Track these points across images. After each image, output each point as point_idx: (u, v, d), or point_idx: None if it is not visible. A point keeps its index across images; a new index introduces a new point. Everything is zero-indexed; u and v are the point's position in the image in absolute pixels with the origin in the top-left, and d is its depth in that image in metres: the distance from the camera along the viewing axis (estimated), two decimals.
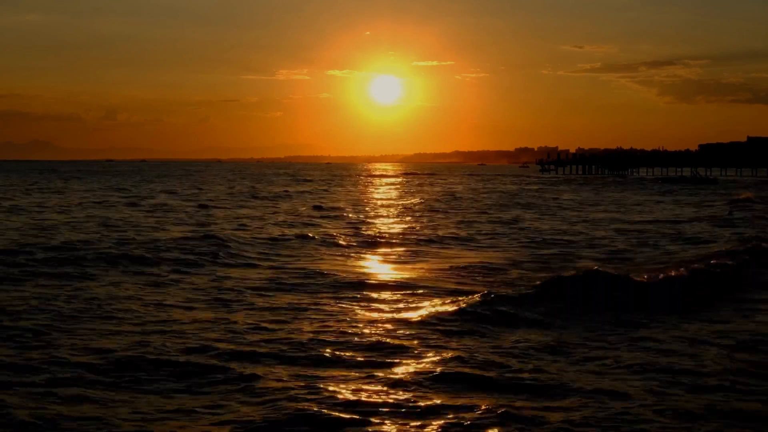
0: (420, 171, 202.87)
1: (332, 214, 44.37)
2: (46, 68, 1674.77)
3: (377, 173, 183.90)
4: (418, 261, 23.94)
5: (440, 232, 32.94)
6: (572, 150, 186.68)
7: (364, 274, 21.05)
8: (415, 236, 31.46)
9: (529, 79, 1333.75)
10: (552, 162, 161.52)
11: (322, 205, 52.13)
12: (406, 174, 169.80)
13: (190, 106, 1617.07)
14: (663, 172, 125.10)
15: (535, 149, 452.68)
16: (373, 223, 38.29)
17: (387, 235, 31.83)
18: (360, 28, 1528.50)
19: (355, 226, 36.01)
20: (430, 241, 29.69)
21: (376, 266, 22.96)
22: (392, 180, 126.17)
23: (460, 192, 77.70)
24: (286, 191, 74.46)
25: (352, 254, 25.62)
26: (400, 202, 58.66)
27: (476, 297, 16.13)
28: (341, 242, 28.91)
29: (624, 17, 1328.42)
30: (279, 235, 30.41)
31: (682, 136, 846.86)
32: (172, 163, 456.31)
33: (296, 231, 32.42)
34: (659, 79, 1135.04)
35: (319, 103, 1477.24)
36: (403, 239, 30.39)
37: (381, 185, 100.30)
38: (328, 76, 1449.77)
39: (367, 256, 25.36)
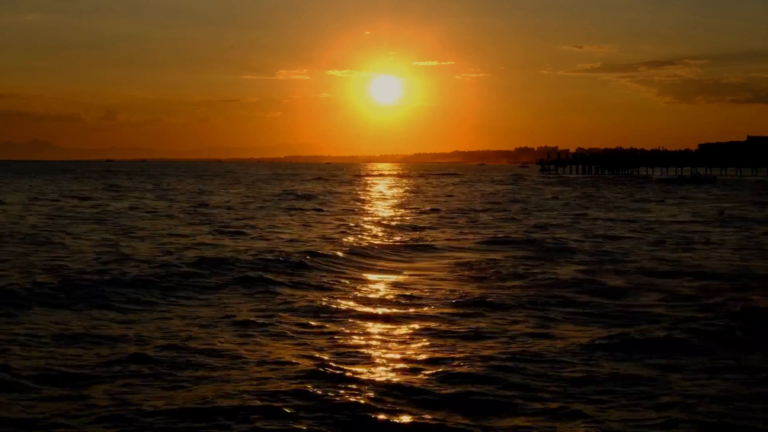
0: (435, 171, 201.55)
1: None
2: (46, 68, 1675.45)
3: (394, 173, 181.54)
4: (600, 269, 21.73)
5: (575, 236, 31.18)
6: (572, 150, 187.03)
7: None
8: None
9: (529, 79, 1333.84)
10: (552, 162, 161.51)
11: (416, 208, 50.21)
12: (436, 175, 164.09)
13: (190, 106, 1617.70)
14: (663, 171, 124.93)
15: (535, 149, 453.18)
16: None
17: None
18: (360, 28, 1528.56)
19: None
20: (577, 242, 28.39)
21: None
22: (418, 180, 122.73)
23: (516, 192, 75.99)
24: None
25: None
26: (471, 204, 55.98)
27: None
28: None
29: (624, 17, 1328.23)
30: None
31: (682, 136, 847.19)
32: (172, 163, 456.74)
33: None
34: (659, 79, 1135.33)
35: (319, 103, 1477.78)
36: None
37: (424, 186, 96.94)
38: (328, 76, 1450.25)
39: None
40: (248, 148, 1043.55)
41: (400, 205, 54.92)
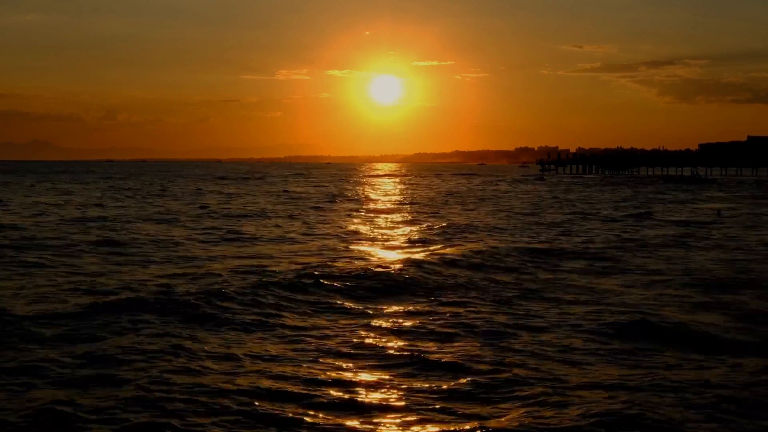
0: (444, 171, 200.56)
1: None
2: (46, 68, 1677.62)
3: (404, 173, 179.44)
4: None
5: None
6: (572, 150, 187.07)
7: None
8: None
9: (529, 79, 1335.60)
10: (552, 162, 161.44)
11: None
12: (452, 174, 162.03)
13: (190, 106, 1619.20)
14: (663, 171, 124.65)
15: (535, 149, 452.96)
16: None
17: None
18: (360, 28, 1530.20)
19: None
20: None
21: None
22: (438, 180, 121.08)
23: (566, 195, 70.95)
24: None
25: None
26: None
27: None
28: None
29: (624, 17, 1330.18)
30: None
31: (682, 135, 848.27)
32: (172, 163, 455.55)
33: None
34: (659, 79, 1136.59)
35: (319, 103, 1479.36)
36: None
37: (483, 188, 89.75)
38: (328, 76, 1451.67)
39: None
40: (248, 148, 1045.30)
41: (478, 207, 51.62)
